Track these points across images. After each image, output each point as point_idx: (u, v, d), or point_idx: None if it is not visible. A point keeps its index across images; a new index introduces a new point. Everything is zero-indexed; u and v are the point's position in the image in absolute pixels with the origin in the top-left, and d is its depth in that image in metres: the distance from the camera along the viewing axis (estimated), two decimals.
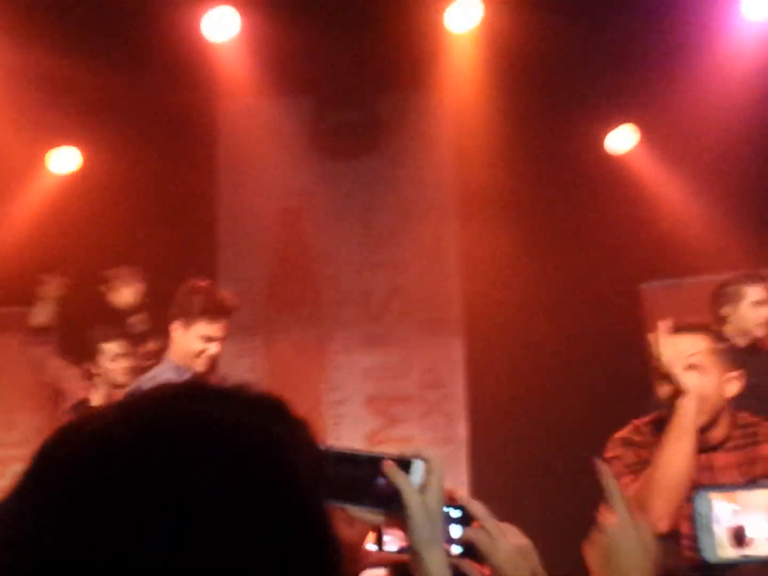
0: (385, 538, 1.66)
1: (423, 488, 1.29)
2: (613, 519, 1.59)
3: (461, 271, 6.52)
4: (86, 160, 6.28)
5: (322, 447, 1.19)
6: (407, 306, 6.55)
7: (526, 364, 6.10)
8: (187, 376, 3.89)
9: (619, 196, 6.24)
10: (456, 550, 1.64)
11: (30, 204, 6.17)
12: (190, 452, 0.69)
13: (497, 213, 6.29)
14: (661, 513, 2.72)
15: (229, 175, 6.58)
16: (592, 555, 1.60)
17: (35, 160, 6.17)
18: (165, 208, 6.24)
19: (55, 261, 6.05)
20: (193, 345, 3.92)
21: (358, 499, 1.26)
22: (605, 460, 3.01)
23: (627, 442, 3.01)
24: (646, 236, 6.15)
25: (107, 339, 5.01)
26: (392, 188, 6.59)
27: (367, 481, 1.27)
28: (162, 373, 3.92)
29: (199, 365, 3.93)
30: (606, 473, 1.61)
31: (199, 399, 0.74)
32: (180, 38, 5.85)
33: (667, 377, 2.89)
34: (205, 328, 3.91)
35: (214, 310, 3.90)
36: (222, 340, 3.96)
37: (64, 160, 6.27)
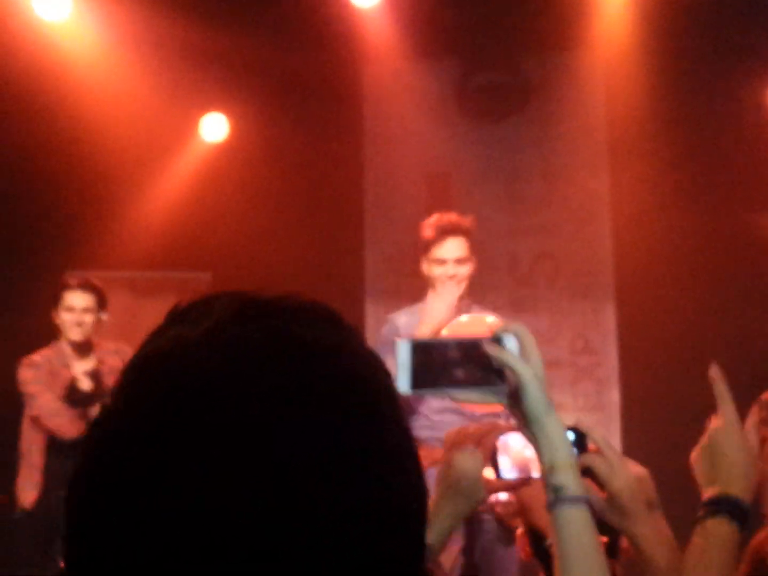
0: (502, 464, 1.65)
1: (524, 359, 1.30)
2: (719, 422, 1.56)
3: (612, 235, 6.35)
4: (234, 128, 6.39)
5: (405, 339, 1.26)
6: (556, 270, 6.42)
7: (679, 329, 5.91)
8: None
9: None
10: None
11: (182, 170, 6.32)
12: (287, 375, 0.69)
13: (649, 175, 6.09)
14: None
15: (375, 140, 6.58)
16: (695, 458, 1.57)
17: (188, 127, 6.31)
18: (311, 175, 6.29)
19: (208, 228, 6.20)
20: None
21: (459, 383, 1.26)
22: (752, 423, 2.87)
23: None
24: None
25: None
26: (540, 150, 6.46)
27: (464, 364, 1.27)
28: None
29: None
30: (718, 378, 1.57)
31: (266, 316, 0.71)
32: (326, 4, 5.87)
33: None
34: None
35: None
36: None
37: (215, 128, 6.40)
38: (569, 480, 1.25)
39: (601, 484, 1.57)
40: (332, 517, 0.67)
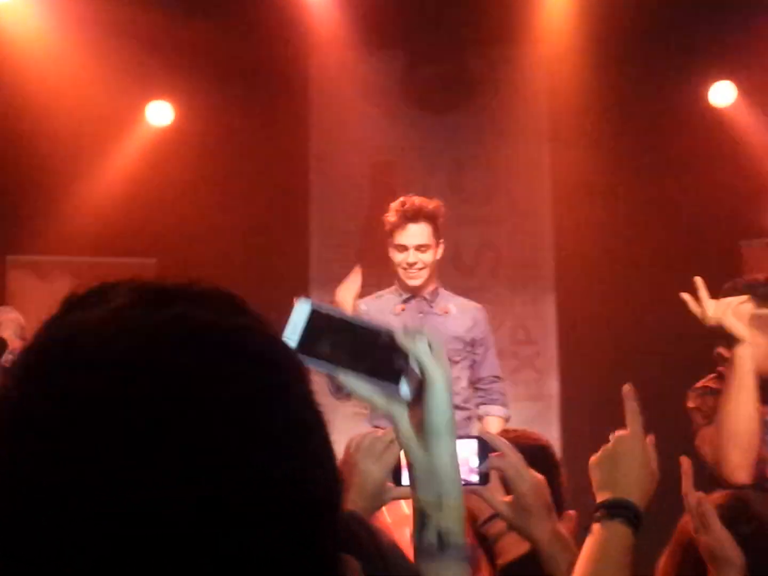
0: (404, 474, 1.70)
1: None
2: (625, 433, 1.63)
3: (553, 227, 6.45)
4: (180, 113, 6.37)
5: (307, 299, 1.09)
6: (498, 262, 6.51)
7: (619, 321, 6.02)
8: None
9: (720, 151, 6.07)
10: (473, 478, 1.70)
11: (127, 155, 6.29)
12: (197, 356, 0.67)
13: (591, 170, 6.19)
14: (736, 464, 2.69)
15: (321, 128, 6.60)
16: (594, 463, 1.62)
17: (134, 112, 6.28)
18: (257, 161, 6.30)
19: (154, 213, 6.18)
20: None
21: (350, 367, 1.06)
22: (688, 410, 3.00)
23: (705, 391, 2.99)
24: (747, 193, 5.99)
25: None
26: (484, 143, 6.53)
27: (362, 349, 1.08)
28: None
29: None
30: (630, 395, 1.66)
31: (165, 302, 0.70)
32: None
33: (719, 331, 2.85)
34: None
35: None
36: None
37: (160, 114, 6.38)
38: (457, 525, 1.04)
39: (507, 486, 1.68)
40: (241, 498, 0.66)
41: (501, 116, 6.48)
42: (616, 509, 1.54)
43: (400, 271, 4.19)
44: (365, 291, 4.34)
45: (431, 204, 4.18)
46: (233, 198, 6.24)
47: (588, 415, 5.96)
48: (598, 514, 1.56)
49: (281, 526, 0.67)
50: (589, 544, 1.56)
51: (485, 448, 1.70)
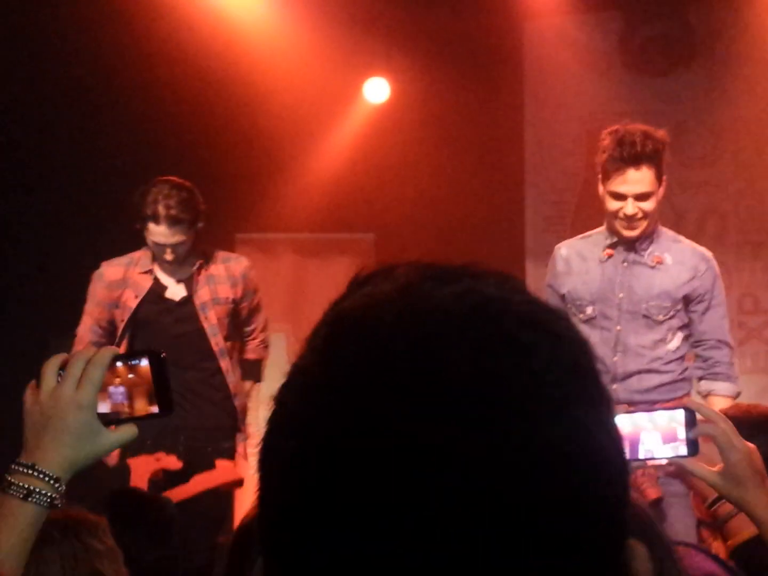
0: None
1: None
2: None
3: None
4: (396, 90, 6.44)
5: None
6: (724, 228, 6.24)
7: None
8: None
9: None
10: (682, 450, 1.70)
11: (346, 133, 6.43)
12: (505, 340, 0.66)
13: None
14: None
15: (536, 97, 6.51)
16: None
17: (352, 90, 6.41)
18: (472, 134, 6.30)
19: (371, 190, 6.30)
20: None
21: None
22: None
23: None
24: None
25: None
26: (708, 105, 6.25)
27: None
28: None
29: None
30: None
31: (454, 278, 0.69)
32: None
33: None
34: None
35: None
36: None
37: (377, 91, 6.47)
38: None
39: (720, 453, 1.67)
40: (563, 508, 0.63)
41: (726, 75, 6.18)
42: None
43: (614, 221, 3.74)
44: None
45: (655, 140, 3.64)
46: (448, 172, 6.28)
47: None
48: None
49: (589, 508, 0.65)
50: None
51: (692, 418, 1.68)
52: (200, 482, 3.98)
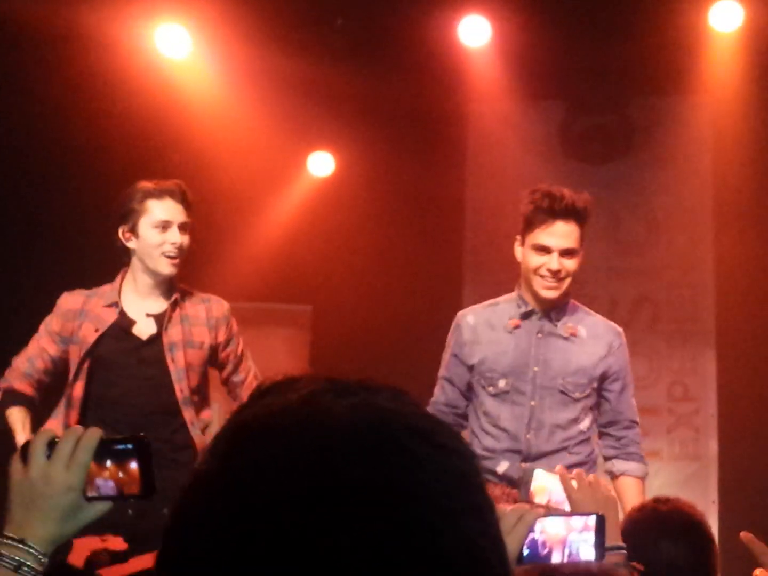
0: None
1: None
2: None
3: (715, 282, 6.25)
4: (341, 163, 6.50)
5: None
6: (656, 315, 6.35)
7: None
8: None
9: None
10: (591, 554, 1.74)
11: (288, 205, 6.46)
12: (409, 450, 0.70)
13: (754, 222, 6.00)
14: None
15: (477, 178, 6.62)
16: None
17: (296, 163, 6.46)
18: (415, 210, 6.36)
19: (310, 261, 6.32)
20: None
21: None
22: None
23: None
24: None
25: None
26: (643, 194, 6.41)
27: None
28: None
29: None
30: (750, 540, 1.79)
31: (352, 391, 0.74)
32: (434, 42, 5.95)
33: None
34: None
35: None
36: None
37: (321, 164, 6.53)
38: None
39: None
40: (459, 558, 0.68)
41: (662, 168, 6.36)
42: None
43: (534, 279, 3.51)
44: None
45: (584, 200, 3.52)
46: (389, 247, 6.32)
47: (748, 478, 5.73)
48: None
49: None
50: None
51: (602, 524, 1.70)
52: (138, 563, 3.83)
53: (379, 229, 6.32)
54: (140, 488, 1.47)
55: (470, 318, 3.73)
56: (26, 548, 1.43)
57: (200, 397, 3.72)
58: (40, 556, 1.44)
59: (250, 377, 3.81)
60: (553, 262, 3.46)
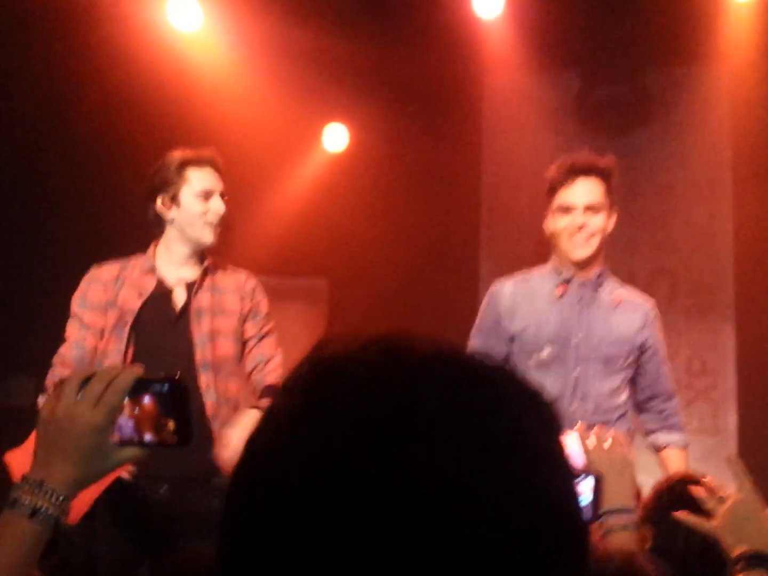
0: None
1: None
2: (740, 496, 1.89)
3: (734, 253, 6.19)
4: (355, 137, 6.46)
5: None
6: (674, 289, 6.30)
7: None
8: None
9: None
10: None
11: (303, 179, 6.43)
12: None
13: None
14: None
15: (493, 150, 6.57)
16: (720, 525, 1.86)
17: (311, 137, 6.42)
18: (429, 183, 6.33)
19: (325, 235, 6.29)
20: None
21: None
22: None
23: None
24: None
25: None
26: (660, 165, 6.35)
27: None
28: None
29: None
30: (735, 462, 1.96)
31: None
32: (449, 14, 5.89)
33: None
34: None
35: None
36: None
37: (336, 138, 6.48)
38: None
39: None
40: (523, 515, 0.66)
41: (679, 138, 6.29)
42: (757, 560, 1.75)
43: (564, 241, 3.44)
44: None
45: (605, 160, 3.49)
46: (404, 220, 6.29)
47: (767, 452, 5.70)
48: (739, 566, 1.75)
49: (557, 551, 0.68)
50: None
51: (599, 485, 1.85)
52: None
53: (394, 202, 6.28)
54: (177, 437, 1.39)
55: (508, 288, 3.65)
56: (43, 492, 1.36)
57: (228, 368, 3.51)
58: (58, 502, 1.36)
59: (275, 356, 3.65)
60: (578, 217, 3.40)
